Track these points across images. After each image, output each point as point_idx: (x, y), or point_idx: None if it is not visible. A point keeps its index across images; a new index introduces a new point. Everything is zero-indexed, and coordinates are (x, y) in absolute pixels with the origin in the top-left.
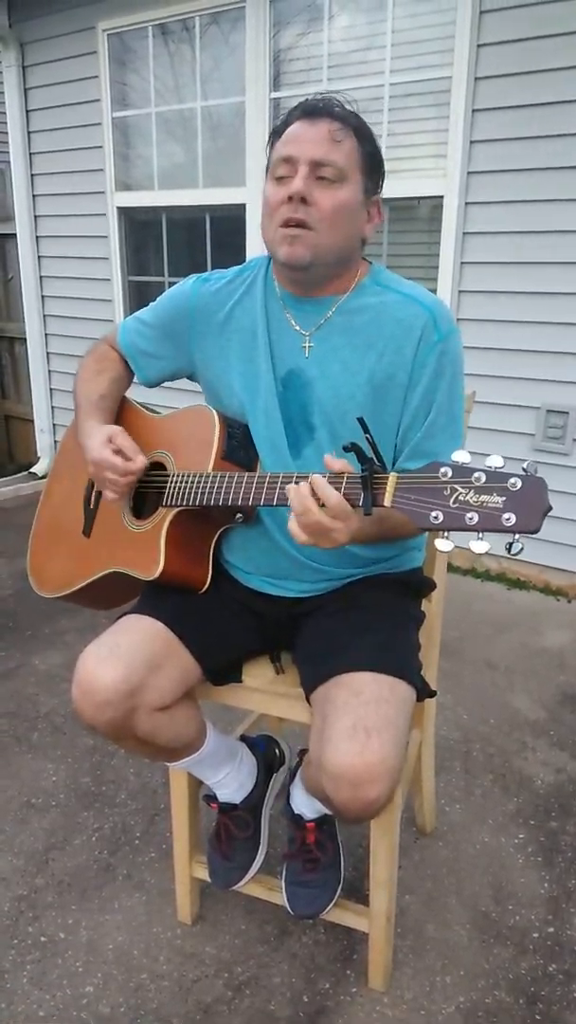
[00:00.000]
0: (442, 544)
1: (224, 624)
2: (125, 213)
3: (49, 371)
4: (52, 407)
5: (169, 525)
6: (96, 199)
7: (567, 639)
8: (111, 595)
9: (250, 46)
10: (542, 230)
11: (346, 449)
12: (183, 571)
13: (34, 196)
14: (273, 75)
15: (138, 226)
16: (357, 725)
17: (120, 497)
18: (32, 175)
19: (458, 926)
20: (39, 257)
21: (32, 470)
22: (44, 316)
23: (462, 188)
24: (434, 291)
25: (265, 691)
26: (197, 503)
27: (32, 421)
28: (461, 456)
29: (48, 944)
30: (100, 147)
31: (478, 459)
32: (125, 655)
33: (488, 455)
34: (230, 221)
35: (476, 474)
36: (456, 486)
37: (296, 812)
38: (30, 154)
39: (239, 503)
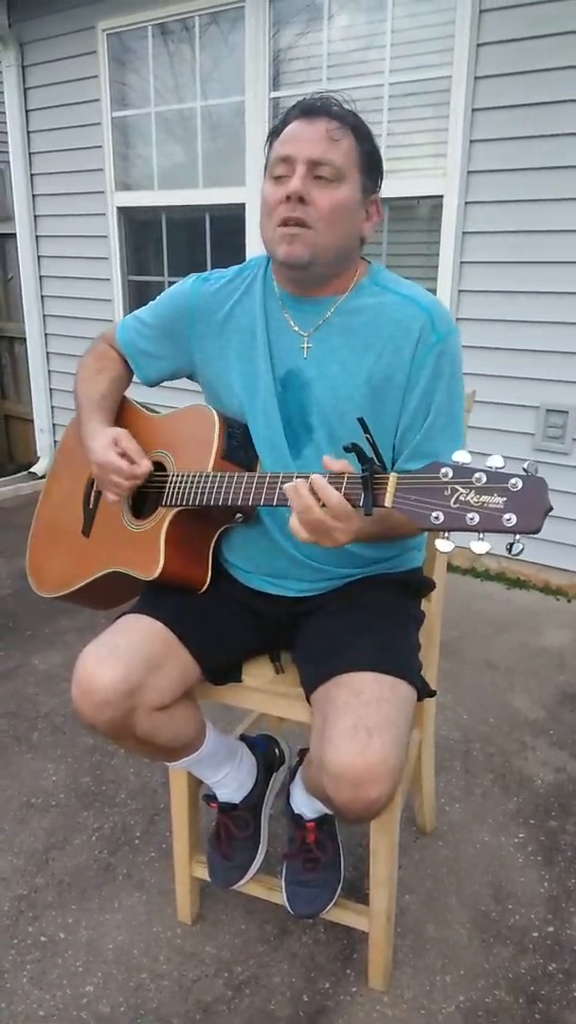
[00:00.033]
0: (442, 544)
1: (224, 624)
2: (125, 213)
3: (49, 371)
4: (52, 407)
5: (169, 525)
6: (96, 199)
7: (567, 639)
8: (110, 595)
9: (250, 46)
10: (542, 229)
11: (347, 449)
12: (183, 571)
13: (34, 196)
14: (273, 75)
15: (138, 226)
16: (358, 725)
17: (121, 499)
18: (32, 175)
19: (458, 925)
20: (39, 257)
21: (32, 470)
22: (44, 316)
23: (462, 188)
24: (434, 291)
25: (265, 691)
26: (197, 503)
27: (32, 421)
28: (462, 456)
29: (48, 944)
30: (100, 147)
31: (478, 459)
32: (124, 655)
33: (488, 455)
34: (230, 221)
35: (477, 474)
36: (457, 486)
37: (296, 812)
38: (30, 154)
39: (239, 503)
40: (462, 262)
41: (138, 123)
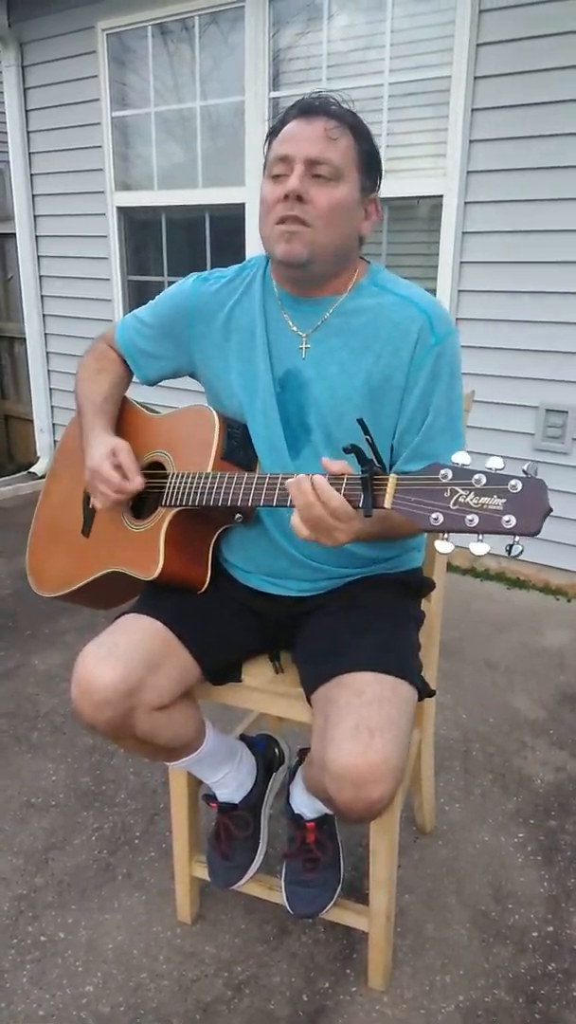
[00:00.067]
0: (442, 546)
1: (223, 623)
2: (124, 213)
3: (49, 371)
4: (52, 407)
5: (168, 525)
6: (95, 199)
7: (567, 638)
8: (110, 595)
9: (249, 46)
10: (542, 229)
11: (346, 451)
12: (182, 571)
13: (33, 196)
14: (272, 74)
15: (138, 226)
16: (360, 725)
17: (107, 508)
18: (31, 175)
19: (458, 925)
20: (38, 257)
21: (31, 470)
22: (43, 316)
23: (461, 187)
24: (433, 291)
25: (264, 690)
26: (196, 503)
27: (32, 421)
28: (461, 458)
29: (48, 943)
30: (99, 147)
31: (478, 459)
32: (124, 655)
33: (488, 455)
34: (229, 221)
35: (476, 476)
36: (456, 488)
37: (296, 812)
38: (29, 154)
39: (238, 503)
40: (462, 262)
41: (138, 123)
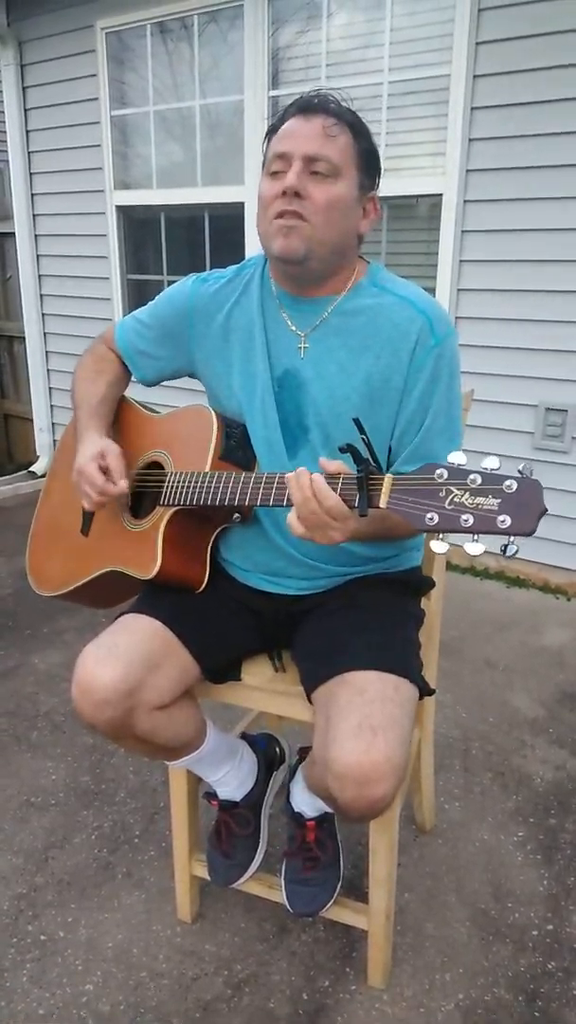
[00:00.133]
0: (437, 546)
1: (223, 623)
2: (124, 212)
3: (48, 370)
4: (51, 406)
5: (166, 525)
6: (95, 198)
7: (566, 637)
8: (110, 594)
9: (248, 44)
10: (541, 228)
11: (342, 450)
12: (180, 570)
13: (33, 195)
14: (272, 73)
15: (137, 225)
16: (363, 724)
17: (94, 510)
18: (31, 174)
19: (457, 924)
20: (38, 256)
21: (31, 469)
22: (43, 315)
23: (461, 186)
24: (433, 289)
25: (264, 689)
26: (194, 503)
27: (31, 420)
28: (457, 458)
29: (48, 943)
30: (98, 146)
31: (475, 459)
32: (124, 655)
33: (486, 454)
34: (229, 219)
35: (472, 476)
36: (452, 488)
37: (296, 810)
38: (29, 153)
39: (236, 503)
40: (461, 261)
41: (137, 122)
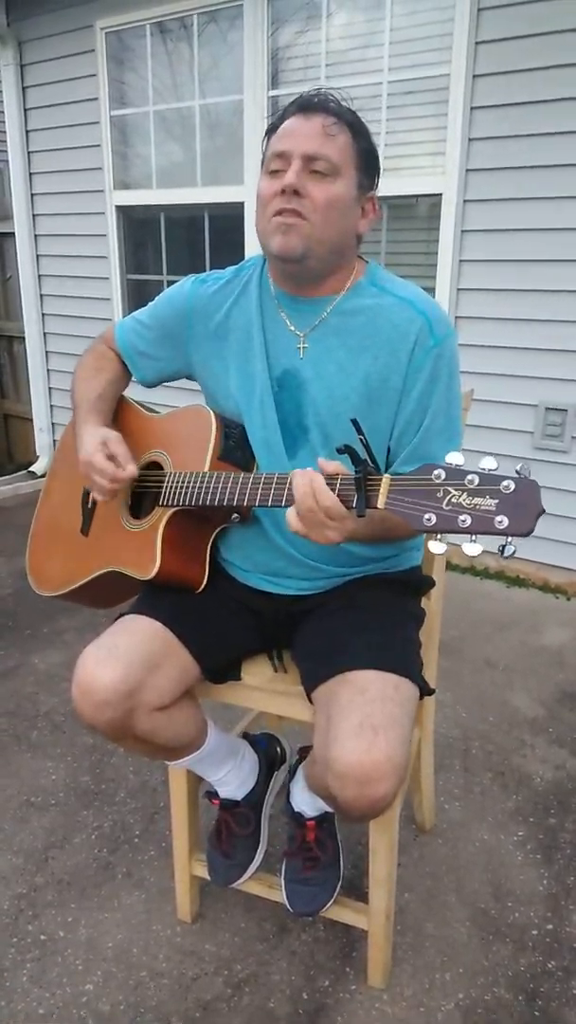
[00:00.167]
0: (435, 546)
1: (222, 623)
2: (123, 212)
3: (48, 370)
4: (51, 406)
5: (165, 525)
6: (94, 198)
7: (566, 637)
8: (110, 594)
9: (248, 44)
10: (541, 228)
11: (340, 451)
12: (180, 571)
13: (32, 195)
14: (271, 73)
15: (137, 224)
16: (364, 723)
17: (108, 500)
18: (30, 173)
19: (457, 923)
20: (37, 256)
21: (31, 469)
22: (43, 315)
23: (461, 186)
24: (433, 289)
25: (264, 689)
26: (193, 503)
27: (31, 420)
28: (455, 458)
29: (48, 942)
30: (98, 146)
31: (474, 459)
32: (124, 655)
33: (485, 454)
34: (228, 219)
35: (469, 476)
36: (449, 488)
37: (296, 810)
38: (28, 152)
39: (235, 503)
40: (461, 260)
41: (137, 122)
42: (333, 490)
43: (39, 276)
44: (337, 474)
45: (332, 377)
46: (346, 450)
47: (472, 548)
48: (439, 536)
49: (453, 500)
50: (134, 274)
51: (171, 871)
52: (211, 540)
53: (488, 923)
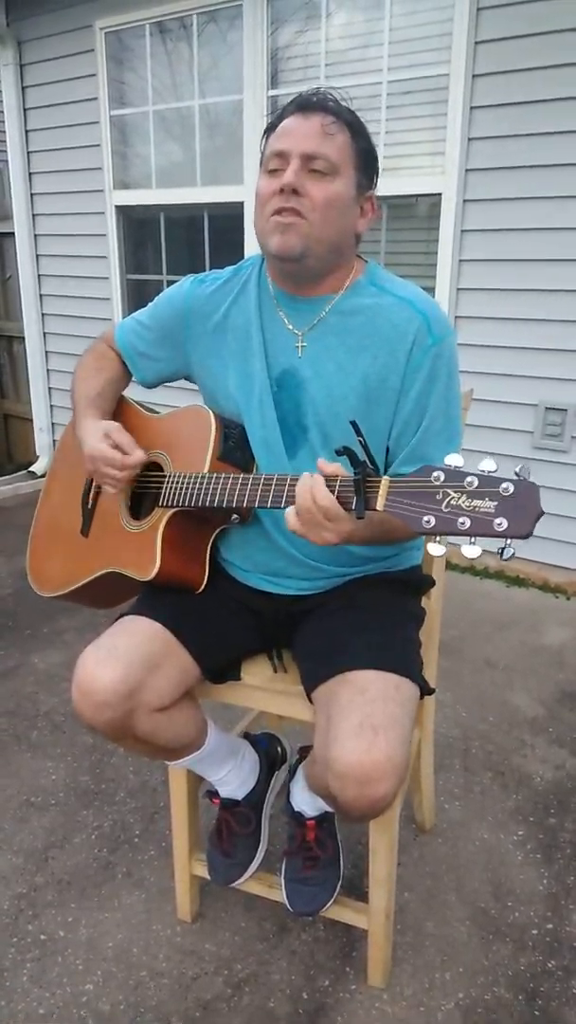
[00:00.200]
0: (434, 548)
1: (222, 623)
2: (123, 211)
3: (48, 370)
4: (51, 406)
5: (165, 526)
6: (94, 197)
7: (566, 637)
8: (110, 594)
9: (248, 44)
10: (541, 227)
11: (339, 453)
12: (179, 572)
13: (32, 195)
14: (271, 73)
15: (136, 224)
16: (364, 723)
17: (119, 492)
18: (30, 173)
19: (457, 923)
20: (37, 256)
21: (31, 469)
22: (42, 315)
23: (460, 185)
24: (432, 289)
25: (264, 688)
26: (193, 504)
27: (31, 420)
28: (454, 459)
29: (48, 942)
30: (98, 145)
31: (474, 459)
32: (123, 656)
33: (485, 454)
34: (228, 219)
35: (469, 478)
36: (448, 490)
37: (296, 809)
38: (28, 152)
39: (234, 504)
40: (461, 260)
41: (136, 122)
42: (332, 491)
43: (39, 276)
44: (336, 475)
45: (331, 376)
46: (345, 452)
47: (471, 550)
48: (438, 538)
49: (452, 502)
50: (134, 274)
51: (171, 871)
52: (211, 541)
53: (488, 922)
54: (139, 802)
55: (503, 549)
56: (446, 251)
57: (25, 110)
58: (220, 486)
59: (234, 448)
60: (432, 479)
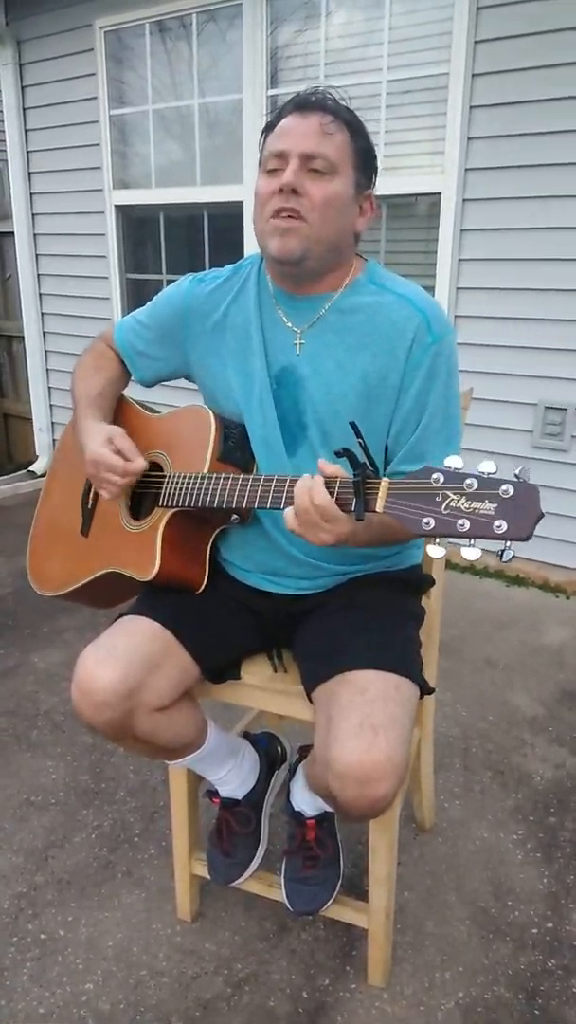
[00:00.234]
0: (433, 550)
1: (222, 623)
2: (123, 211)
3: (47, 369)
4: (51, 405)
5: (165, 526)
6: (94, 197)
7: (566, 636)
8: (110, 594)
9: (247, 43)
10: (540, 227)
11: (338, 455)
12: (179, 572)
13: (32, 194)
14: (270, 72)
15: (136, 224)
16: (364, 723)
17: (115, 497)
18: (30, 173)
19: (457, 922)
20: (37, 255)
21: (31, 469)
22: (42, 314)
23: (460, 185)
24: (432, 288)
25: (264, 688)
26: (192, 504)
27: (31, 420)
28: (454, 462)
29: (48, 941)
30: (97, 145)
31: (474, 459)
32: (123, 656)
33: (485, 453)
34: (227, 219)
35: (468, 480)
36: (448, 492)
37: (296, 809)
38: (27, 152)
39: (234, 505)
40: (460, 259)
41: (136, 121)
42: (332, 492)
43: (38, 275)
44: (336, 477)
45: (330, 375)
46: (344, 453)
47: (471, 552)
48: (438, 540)
49: (452, 504)
50: (133, 273)
51: (171, 870)
52: (211, 540)
53: (488, 922)
54: (139, 801)
55: (503, 551)
56: (445, 250)
57: (24, 109)
58: (220, 486)
59: (234, 448)
60: (432, 481)
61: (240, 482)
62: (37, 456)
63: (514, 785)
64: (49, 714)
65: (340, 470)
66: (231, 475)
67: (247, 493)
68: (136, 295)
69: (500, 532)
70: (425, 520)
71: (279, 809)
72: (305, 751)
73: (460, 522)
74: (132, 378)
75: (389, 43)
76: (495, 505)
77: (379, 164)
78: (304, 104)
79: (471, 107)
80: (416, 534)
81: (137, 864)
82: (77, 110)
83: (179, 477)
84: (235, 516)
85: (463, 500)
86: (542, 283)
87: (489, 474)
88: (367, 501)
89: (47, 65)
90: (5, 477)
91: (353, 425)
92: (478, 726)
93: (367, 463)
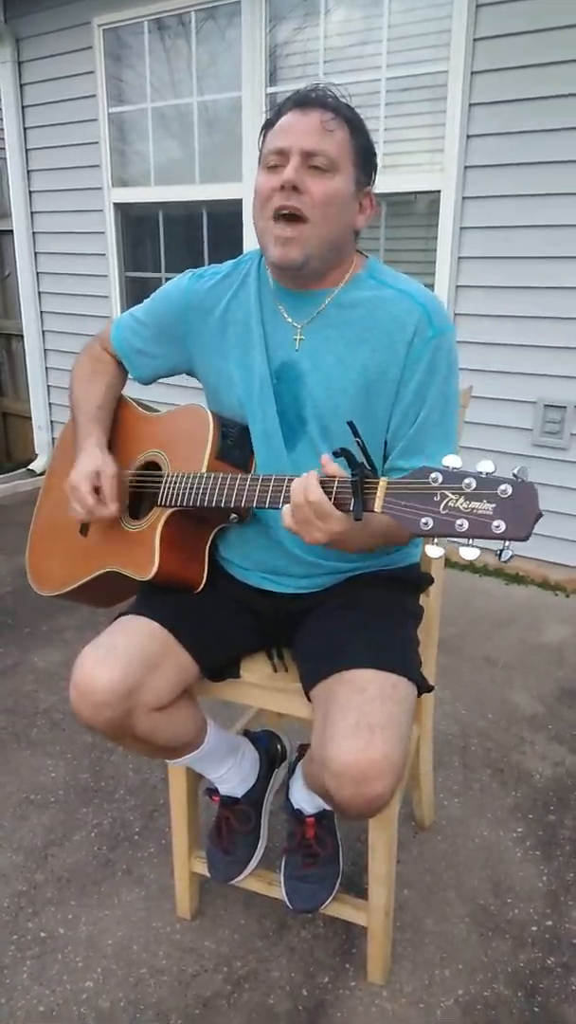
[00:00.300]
0: (432, 550)
1: (221, 623)
2: (122, 209)
3: (46, 368)
4: (50, 404)
5: (163, 525)
6: (93, 195)
7: (566, 634)
8: (109, 594)
9: (246, 41)
10: (539, 224)
11: (336, 455)
12: (178, 571)
13: (30, 192)
14: (269, 70)
15: (135, 222)
16: (361, 722)
17: (83, 521)
18: (28, 171)
19: (457, 920)
20: (36, 253)
21: (30, 467)
22: (41, 313)
23: (459, 183)
24: (431, 286)
25: (264, 686)
26: (191, 503)
27: (30, 418)
28: (452, 461)
29: (48, 940)
30: (96, 143)
31: (473, 457)
32: (122, 656)
33: (484, 452)
34: (227, 216)
35: (467, 480)
36: (446, 492)
37: (295, 807)
38: (26, 150)
39: (232, 504)
40: (459, 257)
41: (135, 119)
42: (331, 492)
43: (37, 274)
44: (335, 476)
45: (330, 369)
46: (343, 453)
47: (469, 552)
48: (436, 540)
49: (450, 504)
50: (132, 271)
51: (171, 868)
52: (210, 540)
53: (487, 919)
54: (139, 800)
55: (502, 551)
56: (445, 248)
57: (23, 107)
58: (218, 485)
59: (232, 447)
60: (430, 480)
61: (239, 481)
62: (36, 455)
63: (513, 783)
64: (48, 712)
65: (340, 470)
66: (229, 474)
67: (246, 492)
68: (135, 293)
69: (499, 532)
70: (424, 520)
71: (279, 807)
72: (305, 749)
73: (459, 522)
74: (129, 376)
75: (388, 41)
76: (493, 505)
77: (379, 162)
78: (304, 101)
79: (470, 105)
80: (414, 534)
81: (137, 862)
82: (76, 108)
83: (177, 476)
84: (234, 515)
85: (461, 500)
86: (542, 281)
87: (487, 474)
88: (365, 501)
89: (46, 63)
90: (4, 476)
91: (351, 424)
92: (477, 724)
93: (365, 463)
